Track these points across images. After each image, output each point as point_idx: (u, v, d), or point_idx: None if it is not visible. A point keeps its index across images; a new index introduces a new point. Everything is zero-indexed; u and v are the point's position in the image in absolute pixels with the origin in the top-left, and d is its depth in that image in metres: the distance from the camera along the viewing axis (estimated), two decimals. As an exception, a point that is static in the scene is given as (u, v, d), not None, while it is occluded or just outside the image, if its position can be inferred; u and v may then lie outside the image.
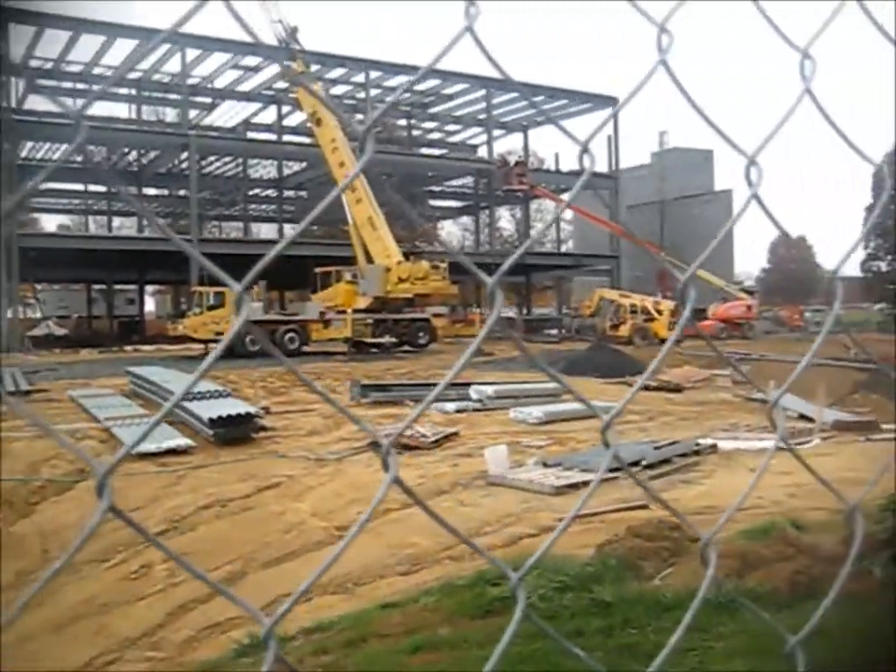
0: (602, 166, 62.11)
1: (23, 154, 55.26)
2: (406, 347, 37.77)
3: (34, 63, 52.97)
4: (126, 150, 59.65)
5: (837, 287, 1.58)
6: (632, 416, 18.06)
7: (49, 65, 53.73)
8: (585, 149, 1.41)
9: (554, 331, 57.26)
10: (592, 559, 7.03)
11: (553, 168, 66.60)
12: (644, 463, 12.31)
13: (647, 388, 23.49)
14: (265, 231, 74.90)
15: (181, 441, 14.03)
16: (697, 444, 13.91)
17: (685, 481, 11.21)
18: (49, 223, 77.05)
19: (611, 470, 10.14)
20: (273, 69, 52.11)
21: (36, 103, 57.00)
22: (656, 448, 13.28)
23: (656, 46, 1.45)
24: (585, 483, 11.22)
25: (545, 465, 12.49)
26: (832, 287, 1.56)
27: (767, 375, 20.20)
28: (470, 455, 13.23)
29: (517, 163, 54.04)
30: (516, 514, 9.50)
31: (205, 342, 36.73)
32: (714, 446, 13.99)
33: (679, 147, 75.36)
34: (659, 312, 46.76)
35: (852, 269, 67.00)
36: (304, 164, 58.93)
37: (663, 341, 43.70)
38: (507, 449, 12.62)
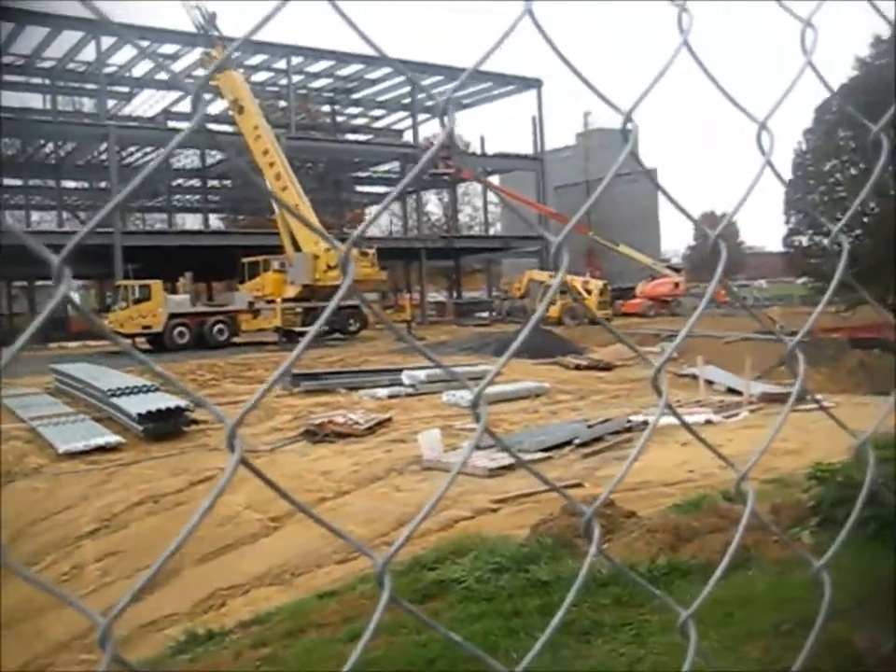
0: (527, 148, 62.41)
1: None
2: (337, 335, 37.58)
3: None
4: (42, 142, 58.16)
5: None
6: (563, 396, 18.26)
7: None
8: (629, 118, 1.42)
9: (485, 314, 57.42)
10: (527, 539, 7.08)
11: (479, 151, 66.68)
12: (577, 441, 12.45)
13: (577, 367, 23.75)
14: (190, 221, 73.80)
15: (110, 437, 13.80)
16: (629, 421, 14.10)
17: (619, 457, 11.35)
18: (-35, 219, 75.02)
19: (547, 450, 10.23)
20: (193, 56, 51.19)
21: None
22: (589, 427, 13.44)
23: (677, 26, 1.46)
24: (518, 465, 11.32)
25: (478, 447, 12.52)
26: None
27: (695, 350, 20.57)
28: (404, 440, 13.24)
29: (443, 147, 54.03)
30: (451, 498, 9.53)
31: (133, 336, 36.11)
32: (646, 422, 14.20)
33: (603, 128, 75.76)
34: (588, 291, 47.22)
35: (776, 244, 68.37)
36: (228, 154, 58.24)
37: (592, 320, 44.24)
38: (440, 433, 12.66)
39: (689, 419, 14.37)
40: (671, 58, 1.52)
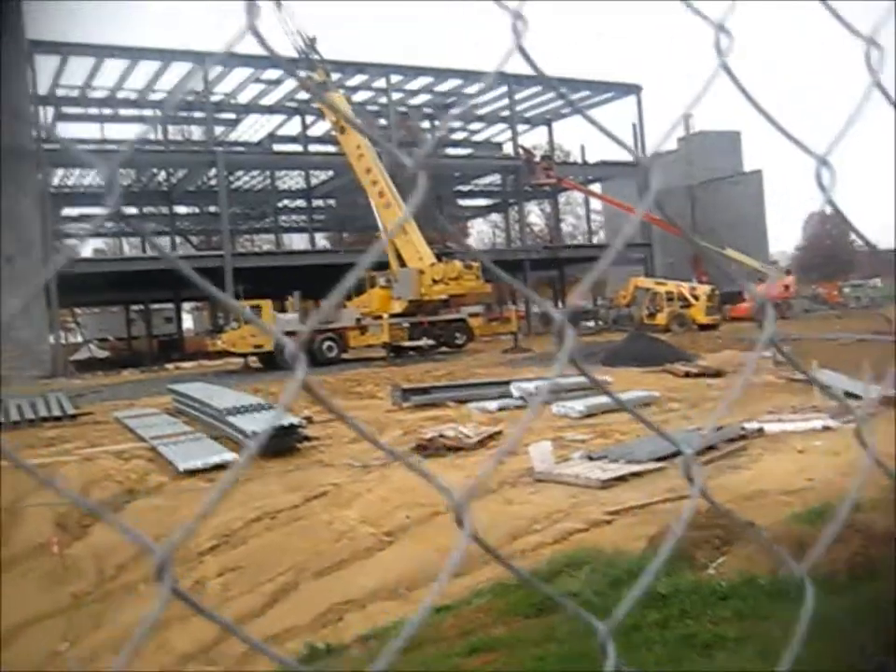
0: (628, 154, 61.68)
1: (54, 182, 55.93)
2: (444, 349, 37.78)
3: (60, 92, 53.62)
4: (155, 171, 60.19)
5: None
6: (674, 404, 17.96)
7: (75, 93, 54.40)
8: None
9: (591, 323, 57.01)
10: (644, 552, 6.98)
11: (579, 160, 66.34)
12: (690, 451, 12.23)
13: (687, 375, 23.34)
14: (297, 241, 75.25)
15: (227, 455, 14.12)
16: (743, 429, 13.79)
17: (733, 466, 11.12)
18: (85, 248, 78.01)
19: (658, 460, 10.06)
20: (295, 80, 52.30)
21: (64, 130, 57.91)
22: (701, 435, 13.19)
23: (714, 47, 1.40)
24: (633, 475, 11.17)
25: (590, 458, 12.44)
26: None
27: (809, 354, 20.00)
28: (515, 452, 13.22)
29: (542, 157, 53.85)
30: (565, 510, 9.47)
31: (244, 355, 36.99)
32: (760, 430, 13.87)
33: (705, 131, 74.64)
34: (696, 297, 46.45)
35: (889, 241, 66.04)
36: (331, 173, 59.16)
37: (701, 326, 43.48)
38: (551, 444, 12.59)
39: (805, 425, 14.00)
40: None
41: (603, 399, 18.49)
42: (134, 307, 67.01)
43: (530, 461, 11.90)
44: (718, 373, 23.64)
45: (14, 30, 40.82)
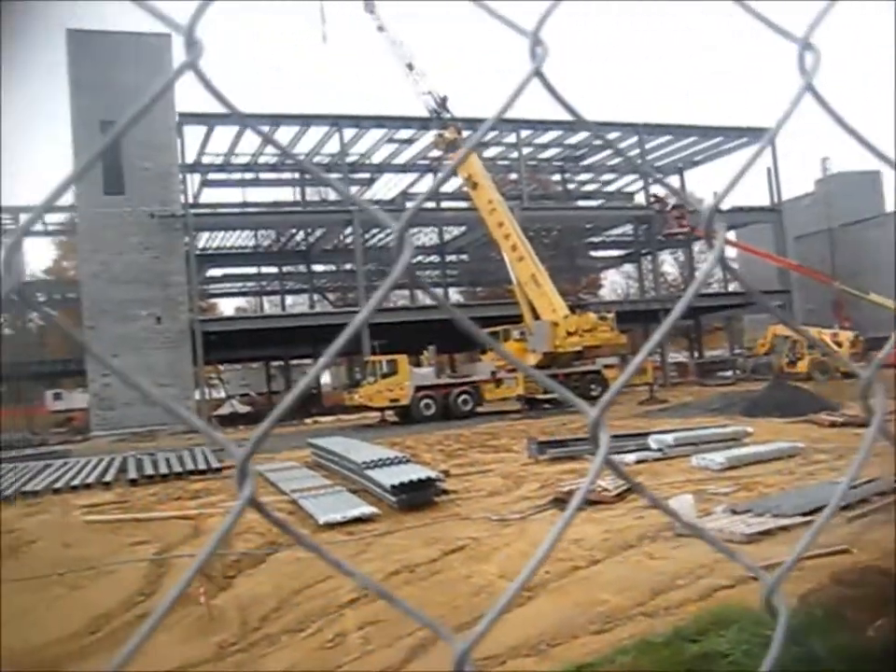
0: (764, 199, 60.51)
1: (200, 244, 58.36)
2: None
3: (205, 160, 56.19)
4: (293, 231, 62.18)
5: None
6: (820, 455, 17.29)
7: (219, 160, 56.89)
8: None
9: (728, 373, 55.64)
10: (795, 610, 6.69)
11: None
12: (841, 504, 11.74)
13: (833, 424, 22.47)
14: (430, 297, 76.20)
15: (366, 508, 14.26)
16: (897, 481, 13.15)
17: (888, 521, 10.57)
18: (227, 307, 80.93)
19: (806, 514, 9.67)
20: (427, 139, 53.41)
21: (209, 195, 60.57)
22: (852, 487, 12.64)
23: (798, 68, 1.34)
24: (780, 529, 10.77)
25: (734, 512, 12.06)
26: None
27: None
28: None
29: (674, 207, 53.27)
30: (708, 565, 9.18)
31: (381, 409, 37.52)
32: (916, 482, 13.20)
33: (843, 172, 72.54)
34: (838, 344, 44.83)
35: None
36: (464, 228, 59.92)
37: (845, 374, 41.85)
38: (692, 498, 12.27)
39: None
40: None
41: (745, 451, 17.98)
42: (274, 363, 68.92)
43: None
44: (865, 423, 22.65)
45: (165, 103, 43.05)
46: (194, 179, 56.51)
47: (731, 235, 64.25)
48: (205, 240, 60.48)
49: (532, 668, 7.29)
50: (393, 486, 14.53)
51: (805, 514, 11.38)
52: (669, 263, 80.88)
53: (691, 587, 8.82)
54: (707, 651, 6.05)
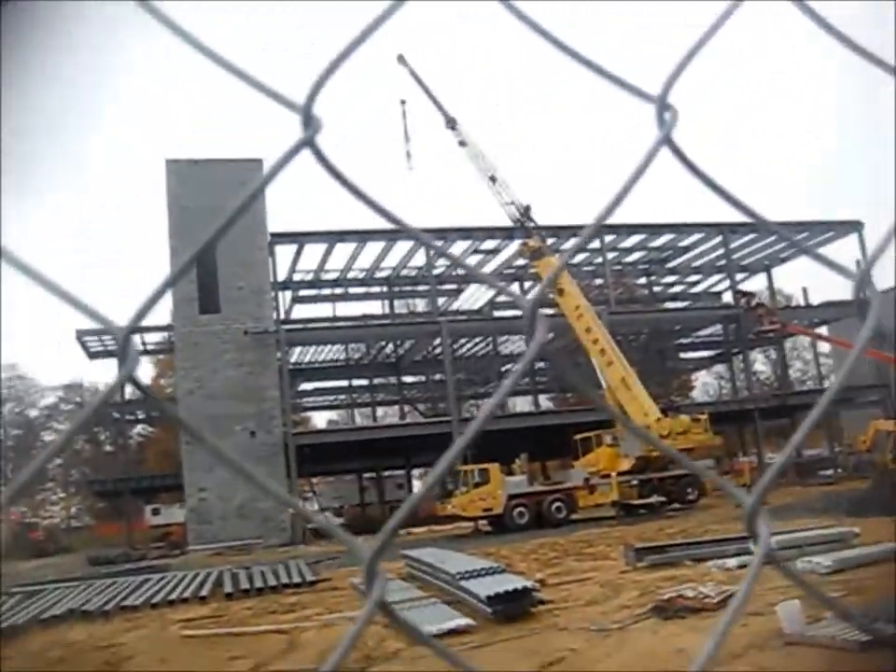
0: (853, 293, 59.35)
1: (293, 359, 59.54)
2: (675, 505, 36.64)
3: (296, 277, 57.79)
4: (383, 344, 63.08)
5: None
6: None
7: (309, 276, 58.44)
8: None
9: (829, 471, 53.90)
10: None
11: (802, 303, 64.36)
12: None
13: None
14: (521, 404, 76.09)
15: (461, 620, 14.05)
16: None
17: None
18: (320, 420, 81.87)
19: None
20: (512, 248, 54.11)
21: (300, 311, 62.05)
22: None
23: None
24: None
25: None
26: None
27: None
28: (761, 612, 12.45)
29: (757, 305, 52.52)
30: (821, 675, 8.79)
31: (474, 518, 37.23)
32: None
33: (943, 260, 71.00)
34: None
35: None
36: (552, 335, 60.04)
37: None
38: (800, 603, 11.80)
39: None
40: None
41: (853, 553, 17.28)
42: (367, 475, 69.11)
43: (779, 622, 11.18)
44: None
45: (258, 223, 44.69)
46: (286, 296, 58.05)
47: (822, 331, 63.12)
48: (297, 354, 61.67)
49: None
50: (488, 597, 14.31)
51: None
52: (761, 362, 79.62)
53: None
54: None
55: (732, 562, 17.70)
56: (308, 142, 1.02)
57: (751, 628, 11.61)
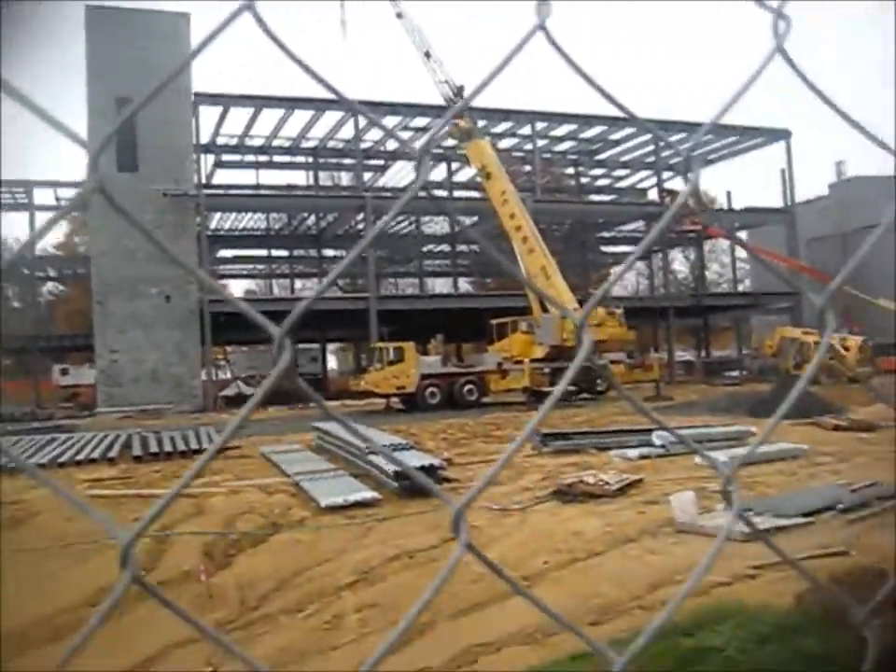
0: (777, 200, 60.33)
1: (212, 225, 58.44)
2: (585, 395, 37.47)
3: (220, 141, 56.22)
4: (305, 215, 62.21)
5: None
6: (823, 458, 17.31)
7: (233, 141, 56.92)
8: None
9: (735, 373, 55.56)
10: (792, 609, 6.73)
11: (725, 206, 65.19)
12: (840, 507, 11.76)
13: (837, 428, 22.46)
14: (440, 285, 76.29)
15: (368, 493, 14.32)
16: (899, 486, 13.17)
17: (886, 525, 10.60)
18: (237, 288, 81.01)
19: (806, 515, 9.70)
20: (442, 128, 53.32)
21: (222, 176, 60.63)
22: (853, 491, 12.67)
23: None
24: (778, 529, 10.80)
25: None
26: None
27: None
28: (656, 501, 12.96)
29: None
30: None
31: (387, 396, 37.61)
32: (917, 487, 13.21)
33: (859, 176, 72.22)
34: (846, 348, 44.73)
35: None
36: (476, 218, 59.88)
37: (851, 379, 41.74)
38: (694, 495, 12.30)
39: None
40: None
41: (747, 450, 17.97)
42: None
43: (672, 511, 11.65)
44: (869, 427, 22.67)
45: (182, 81, 43.08)
46: (208, 160, 56.58)
47: (742, 235, 64.15)
48: (217, 220, 60.55)
49: (527, 657, 7.35)
50: (396, 472, 14.58)
51: (804, 515, 11.41)
52: (680, 261, 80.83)
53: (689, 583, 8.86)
54: (701, 646, 6.09)
55: (633, 452, 18.29)
56: (248, 6, 0.99)
57: (648, 516, 12.10)
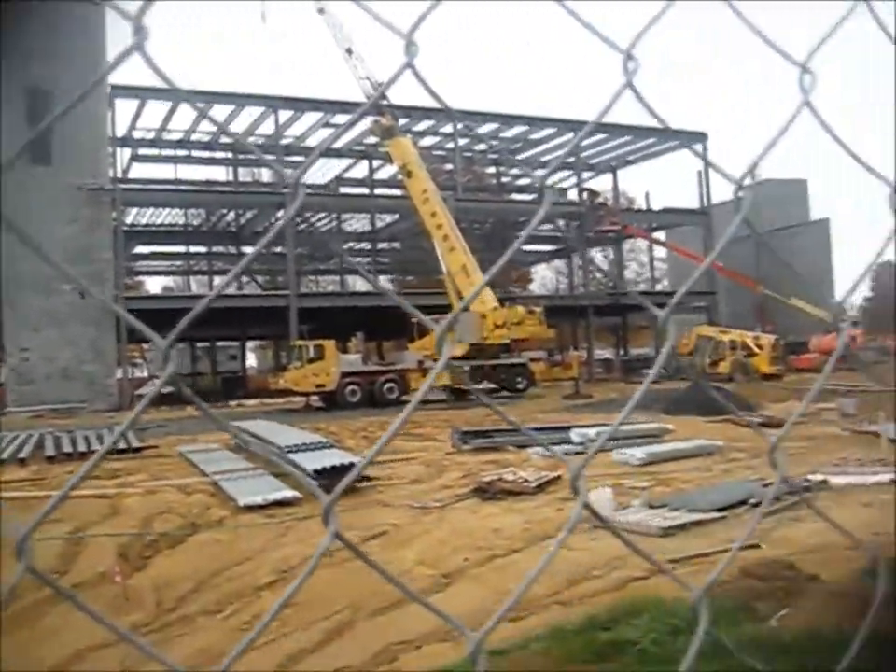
0: (694, 202, 61.51)
1: (129, 220, 57.35)
2: (504, 393, 37.73)
3: (137, 134, 55.17)
4: (224, 211, 61.42)
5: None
6: (737, 454, 17.70)
7: (150, 135, 55.94)
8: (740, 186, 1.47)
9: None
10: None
11: (644, 207, 66.24)
12: (752, 501, 12.05)
13: (749, 425, 23.03)
14: (361, 283, 76.06)
15: (287, 492, 14.22)
16: (807, 481, 13.54)
17: (796, 518, 10.89)
18: (154, 285, 79.66)
19: (721, 510, 9.93)
20: (363, 125, 53.14)
21: (139, 171, 59.56)
22: (764, 486, 12.99)
23: (799, 87, 1.47)
24: (694, 524, 11.03)
25: (651, 506, 12.31)
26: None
27: (875, 406, 19.62)
28: (575, 498, 13.11)
29: (600, 204, 53.70)
30: (623, 557, 9.36)
31: (306, 394, 37.36)
32: (824, 482, 13.60)
33: (771, 179, 73.95)
34: (760, 347, 45.88)
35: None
36: (396, 216, 59.84)
37: (765, 376, 42.82)
38: (611, 491, 12.48)
39: (871, 478, 13.70)
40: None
41: (664, 447, 18.33)
42: (200, 344, 68.07)
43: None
44: (781, 424, 23.27)
45: (97, 73, 42.14)
46: (124, 154, 55.51)
47: (660, 235, 65.29)
48: (134, 216, 59.45)
49: (446, 654, 7.38)
50: (315, 470, 14.49)
51: (719, 510, 11.66)
52: (600, 260, 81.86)
53: (605, 578, 9.00)
54: (617, 639, 6.19)
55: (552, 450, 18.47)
56: (137, 48, 0.99)
57: (566, 513, 12.22)
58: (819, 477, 13.89)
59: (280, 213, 52.41)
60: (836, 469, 15.03)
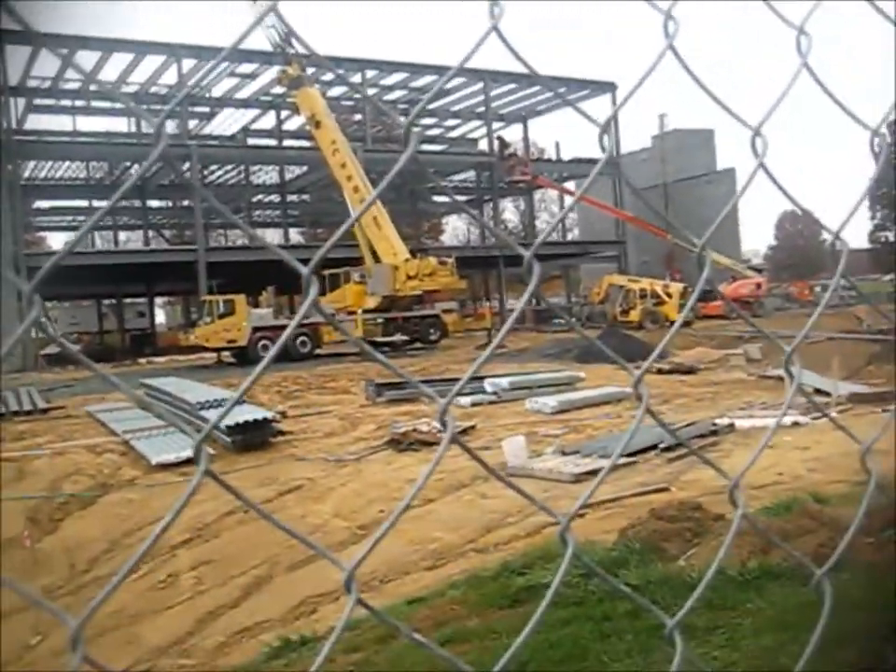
0: (602, 151, 61.97)
1: (26, 174, 55.44)
2: (417, 344, 37.80)
3: (31, 84, 53.10)
4: (128, 164, 59.74)
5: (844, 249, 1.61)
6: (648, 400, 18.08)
7: (46, 84, 53.89)
8: (605, 131, 1.47)
9: (564, 320, 57.17)
10: (615, 544, 7.05)
11: (554, 157, 66.54)
12: (662, 446, 12.34)
13: (660, 371, 23.50)
14: (270, 235, 75.02)
15: (200, 449, 14.09)
16: (714, 425, 13.93)
17: (704, 461, 11.19)
18: (56, 241, 77.34)
19: (631, 455, 10.14)
20: (270, 75, 52.09)
21: (36, 122, 57.46)
22: (675, 430, 13.30)
23: (663, 32, 1.48)
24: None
25: (563, 453, 12.53)
26: (835, 249, 1.60)
27: (779, 351, 20.21)
28: (488, 447, 13.26)
29: (511, 155, 53.70)
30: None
31: (217, 350, 36.86)
32: (731, 426, 14.00)
33: (679, 129, 74.78)
34: (668, 295, 46.75)
35: (860, 240, 66.72)
36: (306, 168, 58.97)
37: (673, 323, 43.70)
38: (524, 439, 12.66)
39: (775, 421, 14.15)
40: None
41: (576, 395, 18.63)
42: (106, 301, 66.52)
43: (504, 456, 11.96)
44: (690, 370, 23.84)
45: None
46: (18, 104, 53.42)
47: (570, 185, 65.68)
48: (32, 169, 57.46)
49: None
50: (228, 427, 14.36)
51: (629, 455, 11.92)
52: (511, 211, 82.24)
53: (520, 524, 9.15)
54: (532, 584, 6.31)
55: (465, 400, 18.62)
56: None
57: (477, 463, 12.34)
58: (727, 421, 14.29)
59: (186, 165, 51.26)
60: (742, 413, 15.49)
